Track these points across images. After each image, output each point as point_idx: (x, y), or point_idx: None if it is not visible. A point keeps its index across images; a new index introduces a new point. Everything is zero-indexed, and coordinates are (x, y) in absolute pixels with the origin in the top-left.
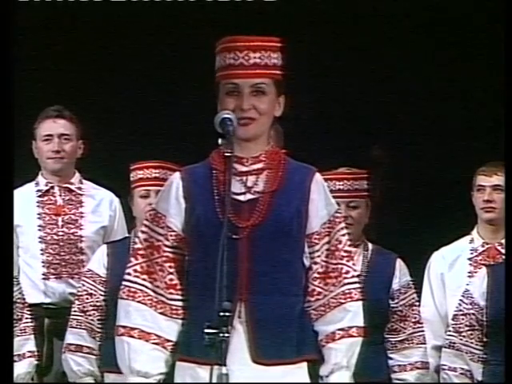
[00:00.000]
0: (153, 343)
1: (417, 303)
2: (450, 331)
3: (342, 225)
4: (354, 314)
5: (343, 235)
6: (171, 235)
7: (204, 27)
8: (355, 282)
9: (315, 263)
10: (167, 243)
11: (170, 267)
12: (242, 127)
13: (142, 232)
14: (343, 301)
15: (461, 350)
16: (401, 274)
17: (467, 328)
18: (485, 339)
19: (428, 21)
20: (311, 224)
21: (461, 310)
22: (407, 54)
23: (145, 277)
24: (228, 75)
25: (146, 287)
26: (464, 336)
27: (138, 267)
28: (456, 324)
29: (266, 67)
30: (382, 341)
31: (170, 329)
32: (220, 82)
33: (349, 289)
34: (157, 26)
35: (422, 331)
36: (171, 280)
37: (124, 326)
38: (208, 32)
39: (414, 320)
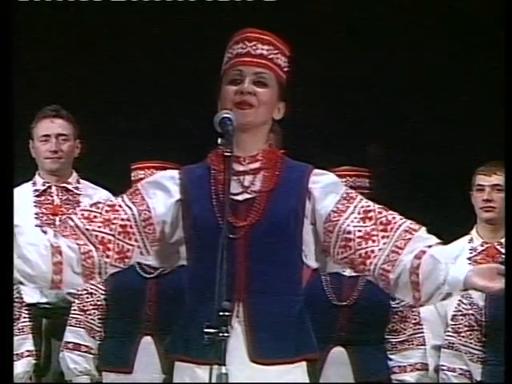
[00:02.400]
0: (49, 244)
1: None
2: (449, 331)
3: (361, 196)
4: (427, 237)
5: (367, 201)
6: (145, 213)
7: (204, 27)
8: (406, 221)
9: (349, 232)
10: (136, 218)
11: (119, 233)
12: (240, 111)
13: (115, 198)
14: (410, 236)
15: (460, 350)
16: None
17: (466, 328)
18: (484, 339)
19: (428, 21)
20: (322, 209)
21: (460, 311)
22: (407, 53)
23: (83, 221)
24: (234, 64)
25: (78, 227)
26: (463, 336)
27: (85, 212)
28: (455, 324)
29: (271, 61)
30: (382, 341)
31: (68, 256)
32: (224, 76)
33: (406, 225)
34: (157, 26)
35: (422, 332)
36: (109, 241)
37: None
38: (208, 32)
39: (414, 321)
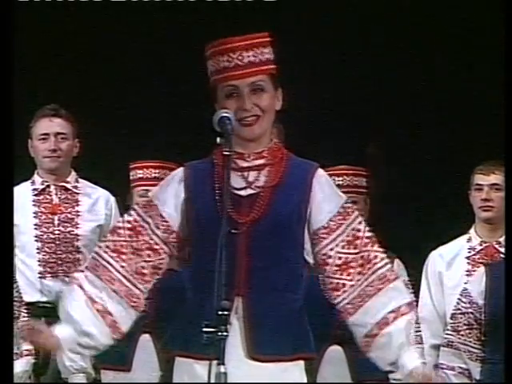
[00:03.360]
0: (96, 310)
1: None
2: (448, 330)
3: (356, 213)
4: (397, 293)
5: (360, 223)
6: (163, 225)
7: (203, 26)
8: (386, 264)
9: (329, 257)
10: (157, 232)
11: (149, 255)
12: (246, 128)
13: (129, 215)
14: (381, 286)
15: (459, 348)
16: (399, 273)
17: (465, 327)
18: (483, 338)
19: (427, 20)
20: (316, 219)
21: (459, 309)
22: (407, 52)
23: (113, 254)
24: (225, 78)
25: (110, 264)
26: (462, 335)
27: (110, 244)
28: (454, 323)
29: (260, 64)
30: None
31: (117, 310)
32: (217, 86)
33: (382, 272)
34: (156, 26)
35: (419, 331)
36: (143, 268)
37: (79, 283)
38: (207, 31)
39: None
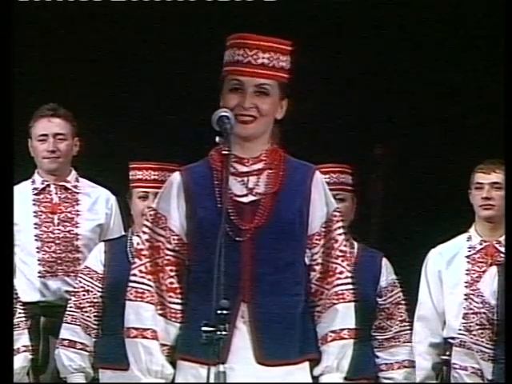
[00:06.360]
0: (161, 344)
1: (402, 302)
2: (460, 330)
3: (340, 224)
4: (345, 315)
5: (340, 234)
6: (174, 239)
7: (205, 27)
8: (348, 283)
9: (317, 264)
10: (169, 246)
11: (171, 270)
12: (240, 124)
13: (144, 233)
14: (336, 301)
15: (471, 348)
16: (387, 272)
17: (478, 327)
18: (495, 338)
19: (428, 20)
20: (312, 225)
21: (471, 309)
22: (407, 53)
23: (150, 277)
24: (234, 71)
25: (152, 287)
26: (474, 335)
27: (142, 268)
28: (466, 323)
29: (272, 69)
30: (369, 338)
31: (167, 332)
32: (225, 77)
33: (342, 290)
34: (156, 26)
35: (408, 329)
36: (171, 283)
37: (136, 328)
38: (209, 32)
39: (400, 318)
